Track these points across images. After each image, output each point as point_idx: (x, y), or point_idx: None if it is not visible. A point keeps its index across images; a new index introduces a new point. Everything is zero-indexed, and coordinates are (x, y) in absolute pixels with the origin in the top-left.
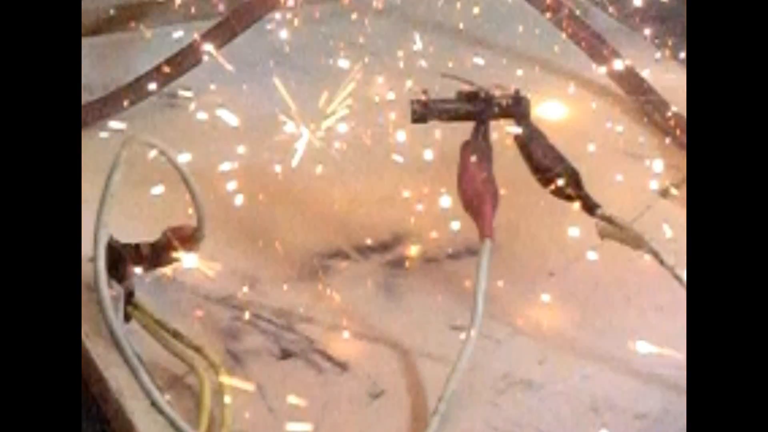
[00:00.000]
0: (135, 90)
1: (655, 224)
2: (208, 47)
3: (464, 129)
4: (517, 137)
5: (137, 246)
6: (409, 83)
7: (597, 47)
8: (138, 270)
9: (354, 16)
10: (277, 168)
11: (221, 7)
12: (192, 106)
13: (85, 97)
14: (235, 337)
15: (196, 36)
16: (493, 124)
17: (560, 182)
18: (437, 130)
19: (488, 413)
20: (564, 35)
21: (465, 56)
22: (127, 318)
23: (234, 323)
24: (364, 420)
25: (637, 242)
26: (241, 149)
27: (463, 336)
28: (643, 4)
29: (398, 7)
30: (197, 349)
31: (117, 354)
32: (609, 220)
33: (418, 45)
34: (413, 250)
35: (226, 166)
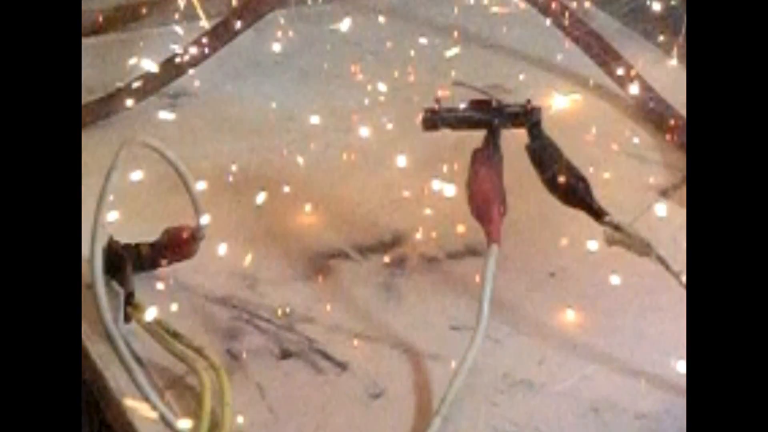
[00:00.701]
0: (135, 90)
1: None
2: (208, 47)
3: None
4: (528, 146)
5: (137, 246)
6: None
7: (597, 47)
8: (138, 270)
9: (354, 16)
10: (277, 168)
11: (221, 7)
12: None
13: (85, 97)
14: (235, 337)
15: (196, 36)
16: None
17: (570, 191)
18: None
19: (488, 413)
20: (564, 35)
21: (465, 56)
22: (128, 318)
23: (234, 323)
24: (364, 420)
25: (643, 249)
26: (240, 149)
27: (463, 336)
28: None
29: (398, 7)
30: (197, 350)
31: (117, 354)
32: (617, 227)
33: (419, 45)
34: (413, 250)
35: (225, 166)
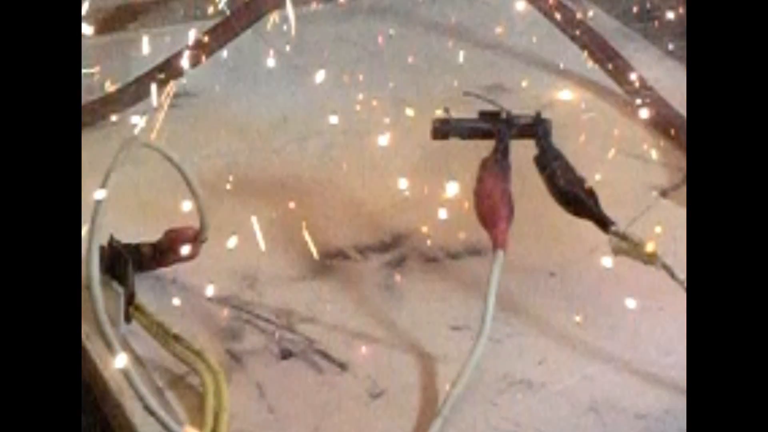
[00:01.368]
0: (135, 90)
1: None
2: (208, 47)
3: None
4: (536, 158)
5: (138, 246)
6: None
7: (597, 48)
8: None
9: (354, 16)
10: (277, 168)
11: (221, 7)
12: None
13: (85, 97)
14: (235, 337)
15: (196, 36)
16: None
17: (577, 202)
18: None
19: (488, 413)
20: (564, 36)
21: (465, 56)
22: (128, 319)
23: (234, 323)
24: (364, 420)
25: (649, 257)
26: (240, 149)
27: (463, 336)
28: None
29: (398, 8)
30: (197, 353)
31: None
32: (623, 236)
33: (419, 45)
34: (413, 250)
35: (225, 167)
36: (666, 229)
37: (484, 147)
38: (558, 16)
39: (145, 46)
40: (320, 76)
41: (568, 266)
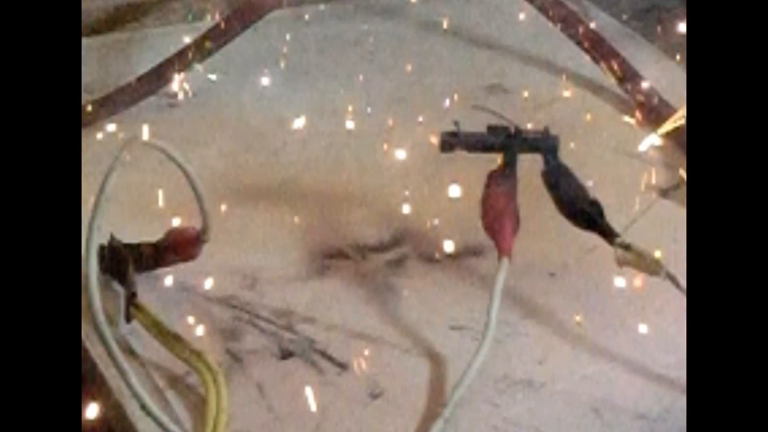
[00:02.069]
0: (135, 90)
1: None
2: (208, 47)
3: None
4: (544, 173)
5: (139, 246)
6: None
7: (597, 47)
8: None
9: (354, 16)
10: (277, 168)
11: (221, 7)
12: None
13: (85, 97)
14: (235, 337)
15: (196, 36)
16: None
17: (583, 216)
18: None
19: (488, 413)
20: (564, 35)
21: (464, 56)
22: (129, 319)
23: (234, 323)
24: (364, 420)
25: (654, 268)
26: (240, 149)
27: (463, 336)
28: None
29: (398, 7)
30: (197, 354)
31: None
32: (627, 247)
33: (419, 45)
34: (413, 250)
35: (225, 166)
36: (666, 229)
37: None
38: (558, 16)
39: (145, 46)
40: (320, 76)
41: (568, 266)
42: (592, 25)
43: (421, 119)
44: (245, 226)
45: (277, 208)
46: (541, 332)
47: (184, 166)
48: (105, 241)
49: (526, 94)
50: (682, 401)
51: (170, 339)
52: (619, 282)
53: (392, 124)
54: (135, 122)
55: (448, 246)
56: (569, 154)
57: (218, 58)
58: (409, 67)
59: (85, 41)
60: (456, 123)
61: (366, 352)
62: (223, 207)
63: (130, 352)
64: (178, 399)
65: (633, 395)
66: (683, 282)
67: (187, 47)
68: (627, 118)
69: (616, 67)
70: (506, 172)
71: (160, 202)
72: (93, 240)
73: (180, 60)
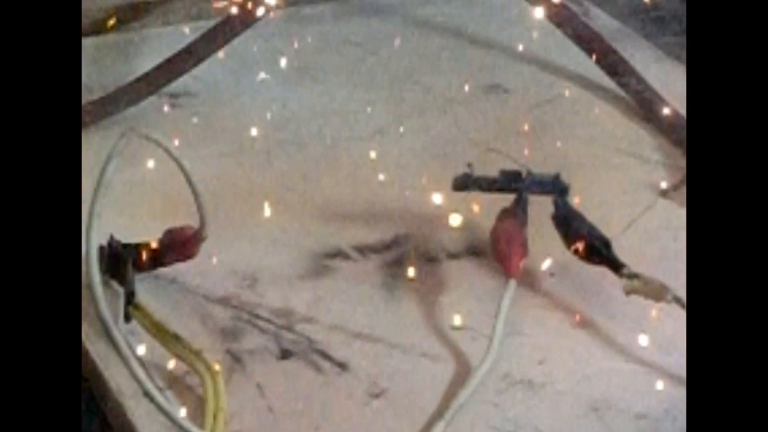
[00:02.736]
0: (135, 90)
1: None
2: (208, 47)
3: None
4: (553, 216)
5: (138, 246)
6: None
7: (597, 47)
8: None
9: (354, 16)
10: (277, 168)
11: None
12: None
13: (85, 97)
14: (235, 337)
15: (196, 36)
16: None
17: (593, 253)
18: (437, 128)
19: (488, 413)
20: (564, 35)
21: (465, 56)
22: (128, 318)
23: (234, 323)
24: (364, 420)
25: (661, 293)
26: (240, 149)
27: (463, 336)
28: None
29: (398, 7)
30: (196, 354)
31: (117, 354)
32: (634, 276)
33: (419, 45)
34: (413, 250)
35: (224, 166)
36: (666, 229)
37: (486, 134)
38: (558, 16)
39: (145, 46)
40: (320, 76)
41: (568, 266)
42: (592, 25)
43: (421, 119)
44: (245, 226)
45: (277, 208)
46: (541, 332)
47: (179, 160)
48: (104, 241)
49: (526, 94)
50: (682, 401)
51: (169, 339)
52: (619, 282)
53: (392, 123)
54: (135, 122)
55: (448, 246)
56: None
57: (218, 58)
58: (409, 68)
59: (85, 41)
60: (469, 165)
61: (366, 352)
62: (223, 207)
63: (130, 352)
64: (178, 399)
65: (633, 395)
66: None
67: (188, 47)
68: (627, 118)
69: (616, 67)
70: (517, 212)
71: (157, 202)
72: (93, 231)
73: (180, 60)
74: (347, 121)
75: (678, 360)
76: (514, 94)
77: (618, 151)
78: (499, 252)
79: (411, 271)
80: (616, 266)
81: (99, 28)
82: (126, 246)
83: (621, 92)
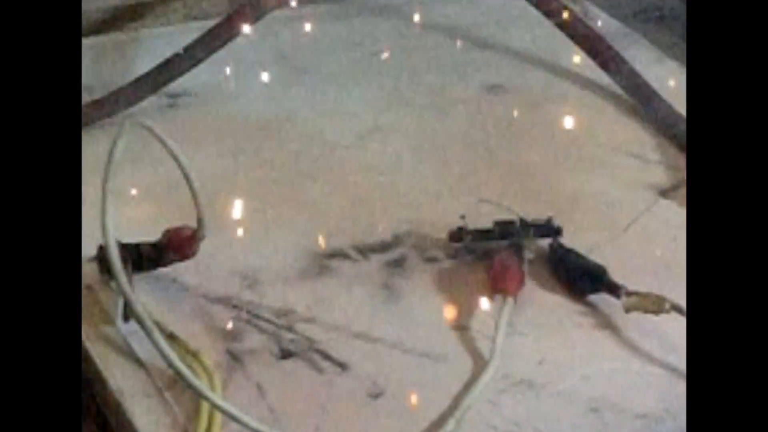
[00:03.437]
0: (135, 90)
1: (656, 224)
2: (208, 47)
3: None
4: (549, 260)
5: (137, 246)
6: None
7: (597, 47)
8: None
9: (354, 16)
10: (277, 169)
11: (221, 7)
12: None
13: (85, 97)
14: (235, 337)
15: (196, 36)
16: None
17: (590, 279)
18: (437, 128)
19: (488, 413)
20: (564, 35)
21: (465, 56)
22: (127, 318)
23: (234, 323)
24: (364, 420)
25: (659, 305)
26: (240, 150)
27: (463, 336)
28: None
29: (398, 7)
30: (193, 354)
31: (117, 354)
32: (632, 294)
33: (419, 45)
34: (413, 250)
35: (224, 167)
36: (666, 229)
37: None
38: (558, 15)
39: (145, 46)
40: (320, 76)
41: None
42: (592, 25)
43: (421, 119)
44: (245, 226)
45: (278, 208)
46: (541, 332)
47: (178, 156)
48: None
49: (526, 94)
50: (682, 401)
51: (167, 339)
52: (619, 281)
53: (392, 123)
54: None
55: (448, 246)
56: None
57: (218, 58)
58: (409, 67)
59: (85, 41)
60: (462, 217)
61: (366, 352)
62: (223, 207)
63: (130, 352)
64: (177, 399)
65: (633, 395)
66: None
67: (188, 47)
68: (627, 118)
69: (616, 67)
70: (513, 257)
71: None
72: (107, 204)
73: (180, 60)
74: (347, 121)
75: (678, 360)
76: (514, 94)
77: (618, 151)
78: (496, 281)
79: (411, 271)
80: (614, 289)
81: (99, 28)
82: (125, 246)
83: (621, 92)
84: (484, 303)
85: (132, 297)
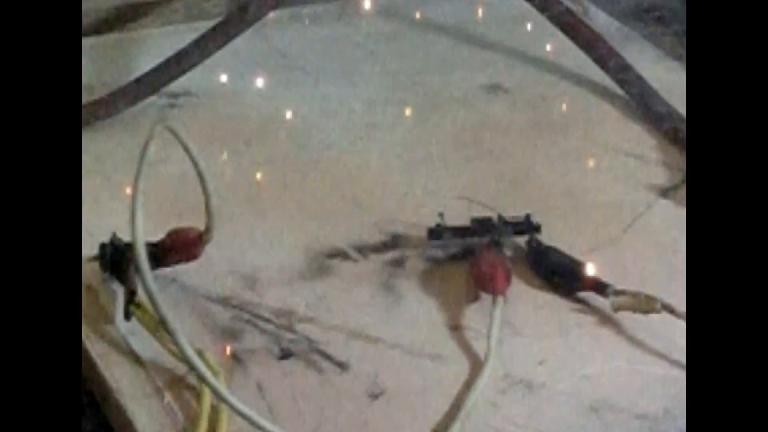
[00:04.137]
0: (135, 90)
1: (656, 224)
2: (208, 47)
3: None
4: (528, 256)
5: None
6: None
7: (597, 47)
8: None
9: (354, 16)
10: (277, 169)
11: (221, 7)
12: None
13: (85, 97)
14: (235, 337)
15: (196, 36)
16: None
17: (574, 279)
18: (437, 128)
19: (488, 413)
20: (564, 35)
21: (464, 56)
22: (128, 317)
23: (234, 323)
24: (364, 420)
25: (649, 304)
26: (240, 150)
27: (462, 336)
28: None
29: (398, 7)
30: (198, 353)
31: (117, 354)
32: (620, 293)
33: (419, 45)
34: (413, 250)
35: (224, 167)
36: (666, 229)
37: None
38: (558, 16)
39: (145, 46)
40: (320, 76)
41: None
42: (592, 25)
43: (421, 119)
44: (246, 226)
45: (278, 208)
46: (541, 332)
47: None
48: (106, 240)
49: (526, 94)
50: (682, 401)
51: (170, 338)
52: (619, 282)
53: (392, 124)
54: (135, 122)
55: (448, 246)
56: (569, 154)
57: (218, 58)
58: (409, 67)
59: (85, 41)
60: (441, 215)
61: (366, 352)
62: (223, 207)
63: (130, 352)
64: (179, 399)
65: (633, 395)
66: (681, 309)
67: (187, 47)
68: (627, 118)
69: (616, 67)
70: (493, 249)
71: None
72: (138, 205)
73: (180, 60)
74: (347, 120)
75: (678, 360)
76: (514, 94)
77: (618, 151)
78: (482, 279)
79: (411, 271)
80: (600, 288)
81: (99, 28)
82: (128, 245)
83: (621, 92)
84: (479, 302)
85: (157, 298)
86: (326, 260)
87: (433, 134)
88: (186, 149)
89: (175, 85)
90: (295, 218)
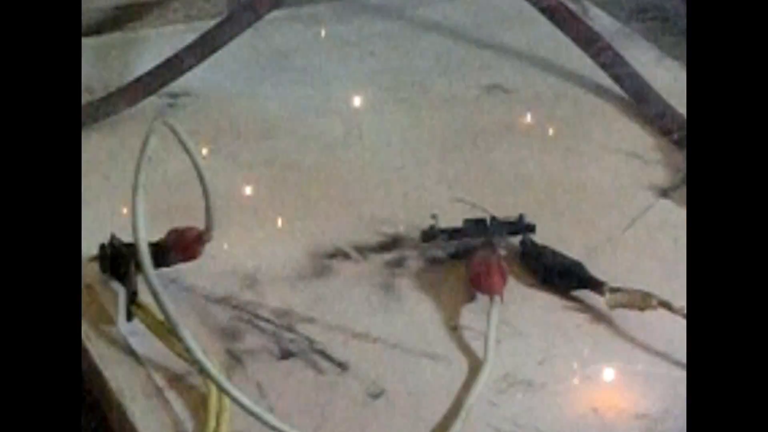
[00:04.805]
0: (135, 90)
1: (656, 224)
2: (208, 47)
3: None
4: (522, 256)
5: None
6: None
7: (597, 47)
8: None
9: (353, 16)
10: (277, 169)
11: (221, 7)
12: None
13: (85, 97)
14: (235, 337)
15: (196, 36)
16: None
17: (568, 282)
18: (437, 128)
19: (488, 413)
20: (564, 35)
21: (465, 56)
22: (130, 317)
23: (234, 323)
24: (364, 420)
25: (644, 301)
26: (240, 150)
27: (462, 336)
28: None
29: (398, 7)
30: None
31: (117, 353)
32: (616, 290)
33: (419, 45)
34: (413, 250)
35: (224, 167)
36: (666, 229)
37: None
38: (557, 15)
39: (145, 46)
40: (320, 76)
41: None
42: (592, 25)
43: (421, 119)
44: (245, 226)
45: (277, 208)
46: (541, 332)
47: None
48: (106, 240)
49: (526, 94)
50: (682, 401)
51: (172, 338)
52: (619, 281)
53: (392, 123)
54: (135, 122)
55: (448, 246)
56: (569, 154)
57: (218, 58)
58: (408, 67)
59: (85, 41)
60: (434, 216)
61: (366, 352)
62: (223, 207)
63: (131, 352)
64: (179, 399)
65: (633, 395)
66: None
67: (187, 47)
68: (627, 118)
69: (616, 67)
70: (488, 251)
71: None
72: (139, 202)
73: (180, 60)
74: (347, 120)
75: (678, 359)
76: (514, 94)
77: (618, 151)
78: (478, 280)
79: (411, 271)
80: (595, 285)
81: (99, 28)
82: (128, 245)
83: (621, 92)
84: (478, 302)
85: (163, 297)
86: (326, 260)
87: (432, 134)
88: (185, 147)
89: (175, 85)
90: (294, 218)
